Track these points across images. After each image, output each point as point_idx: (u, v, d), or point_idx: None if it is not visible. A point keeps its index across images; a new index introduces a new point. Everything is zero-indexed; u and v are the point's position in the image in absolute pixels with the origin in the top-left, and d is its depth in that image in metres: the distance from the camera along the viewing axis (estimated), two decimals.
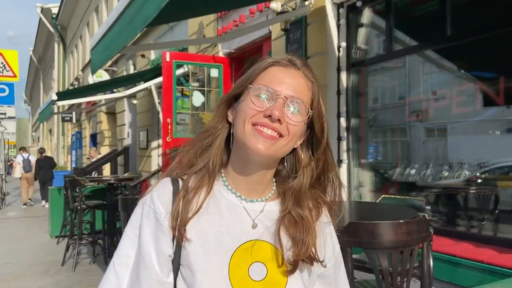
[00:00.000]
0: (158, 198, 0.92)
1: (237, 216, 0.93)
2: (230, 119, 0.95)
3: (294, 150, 0.96)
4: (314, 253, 0.93)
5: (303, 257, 0.91)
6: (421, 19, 3.83)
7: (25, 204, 11.84)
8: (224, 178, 0.96)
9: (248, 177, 0.94)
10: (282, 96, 0.88)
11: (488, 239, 3.01)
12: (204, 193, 0.92)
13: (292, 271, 0.91)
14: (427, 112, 3.75)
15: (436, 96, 3.72)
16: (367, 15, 4.13)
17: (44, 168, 11.69)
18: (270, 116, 0.87)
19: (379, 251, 1.86)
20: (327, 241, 0.99)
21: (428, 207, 2.57)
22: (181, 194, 0.91)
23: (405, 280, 1.92)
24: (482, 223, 3.23)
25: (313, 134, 0.96)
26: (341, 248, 1.05)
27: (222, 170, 0.97)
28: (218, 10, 5.09)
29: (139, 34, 9.15)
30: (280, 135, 0.88)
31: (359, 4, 4.01)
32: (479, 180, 3.38)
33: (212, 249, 0.88)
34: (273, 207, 0.96)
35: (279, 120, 0.87)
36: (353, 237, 1.86)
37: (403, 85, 4.05)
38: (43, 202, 11.55)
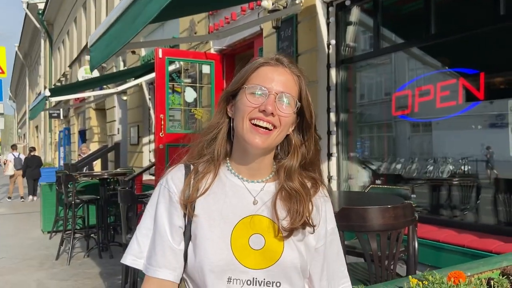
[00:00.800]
0: (172, 179, 1.09)
1: (240, 195, 1.08)
2: (230, 115, 1.11)
3: (287, 135, 1.12)
4: (308, 219, 1.07)
5: (298, 225, 1.05)
6: (407, 17, 4.01)
7: (9, 197, 13.06)
8: (229, 164, 1.12)
9: (248, 164, 1.10)
10: (273, 92, 1.04)
11: (469, 226, 3.21)
12: (211, 177, 1.09)
13: (287, 237, 1.04)
14: (412, 107, 3.92)
15: (421, 91, 3.91)
16: (355, 14, 4.29)
17: (32, 167, 12.64)
18: (264, 111, 1.02)
19: (369, 234, 2.02)
20: (321, 214, 1.13)
21: (414, 196, 2.74)
22: (191, 177, 1.08)
23: (392, 262, 2.09)
24: (464, 211, 3.43)
25: (303, 121, 1.11)
26: None
27: (227, 158, 1.13)
28: (214, 8, 5.19)
29: None
30: (274, 127, 1.04)
31: (348, 3, 4.17)
32: (460, 172, 3.57)
33: (216, 222, 1.04)
34: (271, 187, 1.11)
35: (272, 113, 1.02)
36: (345, 221, 2.01)
37: (389, 81, 4.22)
38: (31, 197, 12.77)
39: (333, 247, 1.16)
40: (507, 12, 2.99)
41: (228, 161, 1.13)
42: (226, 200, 1.07)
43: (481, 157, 3.47)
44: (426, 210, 3.70)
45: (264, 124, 1.03)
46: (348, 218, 2.02)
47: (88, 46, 3.31)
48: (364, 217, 2.01)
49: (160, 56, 5.59)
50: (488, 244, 2.76)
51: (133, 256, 1.07)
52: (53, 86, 17.85)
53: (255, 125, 1.03)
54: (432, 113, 3.81)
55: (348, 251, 2.51)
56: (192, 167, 1.10)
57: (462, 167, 3.60)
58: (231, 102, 1.11)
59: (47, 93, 6.88)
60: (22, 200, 12.78)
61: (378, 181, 4.17)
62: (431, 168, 3.86)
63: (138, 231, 1.10)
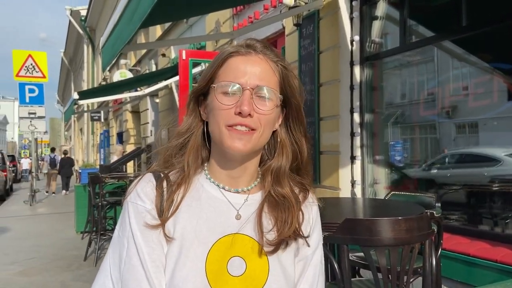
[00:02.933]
0: (143, 192, 0.89)
1: (219, 208, 0.90)
2: (203, 118, 0.93)
3: (274, 131, 0.94)
4: (297, 230, 0.92)
5: (286, 236, 0.89)
6: (437, 9, 3.69)
7: (49, 192, 15.11)
8: (207, 172, 0.95)
9: (230, 170, 0.92)
10: (247, 87, 0.86)
11: (505, 238, 2.88)
12: (182, 190, 0.90)
13: (273, 252, 0.88)
14: (447, 106, 3.62)
15: (454, 89, 3.59)
16: (381, 7, 4.02)
17: (66, 166, 15.05)
18: (240, 113, 0.85)
19: (377, 249, 1.80)
20: (311, 223, 0.97)
21: (438, 204, 2.47)
22: (162, 188, 0.90)
23: (405, 279, 1.85)
24: (499, 222, 3.09)
25: (290, 113, 0.94)
26: (337, 246, 1.01)
27: (205, 164, 0.96)
28: (229, 6, 5.07)
29: (161, 32, 9.27)
30: (253, 129, 0.86)
31: None
32: (498, 178, 3.24)
33: (189, 242, 0.86)
34: (257, 196, 0.94)
35: (249, 114, 0.85)
36: (350, 234, 1.80)
37: (421, 79, 3.93)
38: (64, 192, 15.05)
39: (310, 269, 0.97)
40: None
41: (206, 167, 0.95)
42: (202, 215, 0.89)
43: None
44: (458, 220, 3.39)
45: (243, 129, 0.86)
46: (353, 231, 1.80)
47: (100, 47, 3.27)
48: (371, 229, 1.79)
49: (184, 57, 5.54)
50: None
51: None
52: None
53: (234, 128, 0.86)
54: (467, 112, 3.49)
55: (361, 263, 2.29)
56: (162, 175, 0.92)
57: (500, 172, 3.26)
58: (203, 103, 0.93)
59: (76, 96, 7.02)
60: (54, 194, 14.89)
61: (408, 187, 3.89)
62: (465, 172, 3.54)
63: (112, 265, 0.88)
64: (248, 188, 0.94)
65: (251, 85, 0.86)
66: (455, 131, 3.66)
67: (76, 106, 7.70)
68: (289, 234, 0.89)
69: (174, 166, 0.93)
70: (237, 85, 0.86)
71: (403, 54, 3.87)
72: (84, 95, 8.06)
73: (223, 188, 0.92)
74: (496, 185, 3.27)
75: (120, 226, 0.90)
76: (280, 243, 0.89)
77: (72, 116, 19.23)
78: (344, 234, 1.80)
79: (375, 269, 1.82)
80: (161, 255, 0.86)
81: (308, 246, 0.95)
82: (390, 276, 1.82)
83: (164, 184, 0.90)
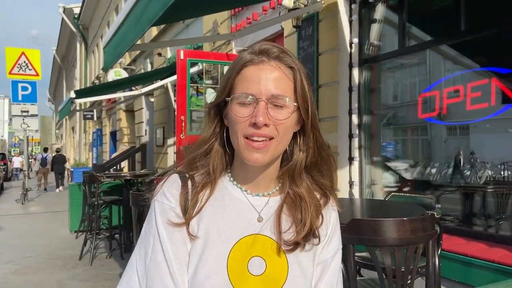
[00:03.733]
0: (169, 191, 0.92)
1: (242, 210, 0.93)
2: (226, 123, 0.95)
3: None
4: (315, 231, 0.94)
5: (302, 236, 0.91)
6: (435, 13, 3.75)
7: (41, 187, 16.04)
8: (230, 174, 0.97)
9: (251, 176, 0.95)
10: (263, 98, 0.86)
11: (501, 239, 2.94)
12: (208, 190, 0.93)
13: (291, 251, 0.91)
14: (440, 109, 3.67)
15: (450, 92, 3.65)
16: (380, 11, 4.07)
17: (58, 163, 15.74)
18: (255, 123, 0.86)
19: (382, 249, 1.84)
20: (330, 224, 0.99)
21: (438, 205, 2.52)
22: (187, 188, 0.92)
23: (409, 279, 1.89)
24: (495, 222, 3.16)
25: (304, 114, 0.93)
26: (343, 246, 1.05)
27: (228, 168, 0.98)
28: (229, 8, 5.09)
29: (157, 32, 9.25)
30: (271, 138, 0.88)
31: None
32: (493, 179, 3.30)
33: (212, 241, 0.89)
34: (277, 200, 0.97)
35: (265, 124, 0.86)
36: (355, 234, 1.84)
37: (416, 81, 3.98)
38: (58, 189, 15.59)
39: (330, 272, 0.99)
40: None
41: (229, 171, 0.98)
42: (225, 215, 0.92)
43: None
44: (455, 220, 3.45)
45: (260, 139, 0.87)
46: (358, 231, 1.84)
47: (102, 48, 3.27)
48: (376, 230, 1.83)
49: (182, 57, 5.54)
50: None
51: None
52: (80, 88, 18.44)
53: (251, 139, 0.87)
54: (463, 115, 3.55)
55: (364, 263, 2.33)
56: (187, 176, 0.95)
57: (495, 174, 3.33)
58: (224, 110, 0.95)
59: (72, 95, 6.99)
60: (46, 191, 15.63)
61: (405, 188, 3.94)
62: (461, 174, 3.60)
63: (138, 261, 0.92)
64: (269, 192, 0.97)
65: (265, 95, 0.86)
66: (446, 133, 3.73)
67: (73, 105, 7.67)
68: (304, 235, 0.91)
69: (198, 169, 0.96)
70: (251, 96, 0.87)
71: (401, 57, 3.93)
72: (80, 94, 8.03)
73: (245, 191, 0.95)
74: (491, 187, 3.33)
75: (147, 224, 0.94)
76: (297, 243, 0.91)
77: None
78: (350, 234, 1.83)
79: (380, 269, 1.86)
80: (185, 252, 0.90)
81: (327, 249, 0.98)
82: (394, 276, 1.86)
83: (189, 184, 0.93)
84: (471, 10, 3.21)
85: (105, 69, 3.14)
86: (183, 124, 5.54)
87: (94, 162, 16.58)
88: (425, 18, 3.84)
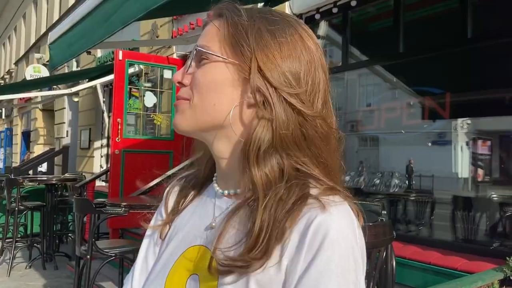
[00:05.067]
0: (166, 193, 0.82)
1: (203, 212, 0.73)
2: None
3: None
4: (268, 244, 0.59)
5: (244, 251, 0.59)
6: (376, 35, 4.08)
7: None
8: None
9: (217, 164, 0.73)
10: (190, 56, 0.71)
11: (432, 242, 3.26)
12: (193, 192, 0.78)
13: (225, 273, 0.61)
14: (378, 123, 4.00)
15: (386, 108, 3.98)
16: (323, 28, 4.31)
17: None
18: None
19: None
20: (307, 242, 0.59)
21: (385, 212, 2.74)
22: (173, 194, 0.80)
23: (371, 283, 2.04)
24: (425, 228, 3.51)
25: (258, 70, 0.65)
26: None
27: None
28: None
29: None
30: (186, 99, 0.69)
31: (317, 16, 4.18)
32: (418, 188, 3.69)
33: (167, 253, 0.74)
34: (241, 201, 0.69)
35: (182, 83, 0.70)
36: None
37: (354, 97, 4.28)
38: None
39: None
40: (474, 35, 3.10)
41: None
42: (190, 219, 0.74)
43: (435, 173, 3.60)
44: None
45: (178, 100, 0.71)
46: None
47: (48, 43, 3.07)
48: None
49: (120, 58, 5.36)
50: (454, 262, 2.80)
51: None
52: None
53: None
54: (395, 129, 3.89)
55: None
56: (182, 177, 0.81)
57: (419, 183, 3.72)
58: None
59: None
60: None
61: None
62: (392, 183, 3.94)
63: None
64: (236, 191, 0.69)
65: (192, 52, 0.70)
66: (358, 144, 4.09)
67: None
68: (259, 251, 0.58)
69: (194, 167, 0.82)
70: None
71: (342, 74, 4.20)
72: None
73: (218, 188, 0.72)
74: (414, 194, 3.72)
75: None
76: (230, 268, 0.60)
77: None
78: None
79: None
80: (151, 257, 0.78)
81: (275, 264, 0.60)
82: None
83: (179, 186, 0.81)
84: (409, 34, 3.55)
85: (52, 67, 2.92)
86: (119, 127, 5.34)
87: (3, 164, 15.14)
88: (367, 38, 4.16)
